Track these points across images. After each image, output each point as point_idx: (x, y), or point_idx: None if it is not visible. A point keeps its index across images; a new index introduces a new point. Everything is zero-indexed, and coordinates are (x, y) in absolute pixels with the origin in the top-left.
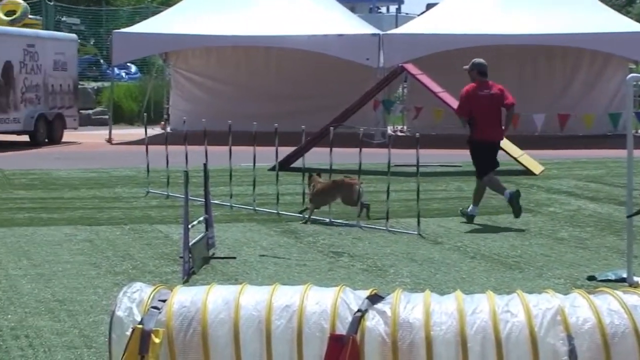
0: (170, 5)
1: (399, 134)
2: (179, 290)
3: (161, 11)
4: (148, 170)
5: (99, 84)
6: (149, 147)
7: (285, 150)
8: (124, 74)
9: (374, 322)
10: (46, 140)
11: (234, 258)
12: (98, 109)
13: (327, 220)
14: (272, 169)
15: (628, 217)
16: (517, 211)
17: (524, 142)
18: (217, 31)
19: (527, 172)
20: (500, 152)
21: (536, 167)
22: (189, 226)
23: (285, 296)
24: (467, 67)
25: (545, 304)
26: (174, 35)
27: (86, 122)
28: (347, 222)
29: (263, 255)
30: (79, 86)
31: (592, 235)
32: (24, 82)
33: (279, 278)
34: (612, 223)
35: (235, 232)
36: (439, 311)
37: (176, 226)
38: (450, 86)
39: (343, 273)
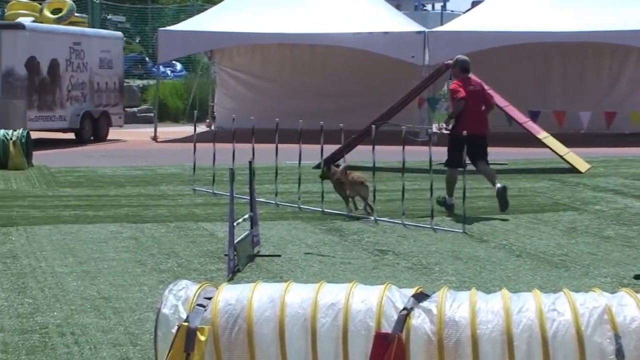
0: (215, 3)
1: (444, 131)
2: (225, 288)
3: (206, 9)
4: (195, 168)
5: (145, 81)
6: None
7: (330, 148)
8: (169, 72)
9: (419, 320)
10: (92, 137)
11: (279, 256)
12: (143, 106)
13: (372, 219)
14: (317, 166)
15: None
16: (450, 214)
17: (570, 140)
18: (262, 29)
19: (573, 170)
20: (546, 150)
21: (582, 165)
22: (234, 224)
23: (331, 294)
24: (450, 61)
25: (592, 302)
26: (219, 33)
27: (131, 119)
28: (391, 220)
29: (308, 253)
30: (125, 84)
31: (638, 233)
32: (70, 79)
33: (323, 276)
34: None
35: (280, 230)
36: (485, 309)
37: (221, 224)
38: (496, 84)
39: (388, 271)
